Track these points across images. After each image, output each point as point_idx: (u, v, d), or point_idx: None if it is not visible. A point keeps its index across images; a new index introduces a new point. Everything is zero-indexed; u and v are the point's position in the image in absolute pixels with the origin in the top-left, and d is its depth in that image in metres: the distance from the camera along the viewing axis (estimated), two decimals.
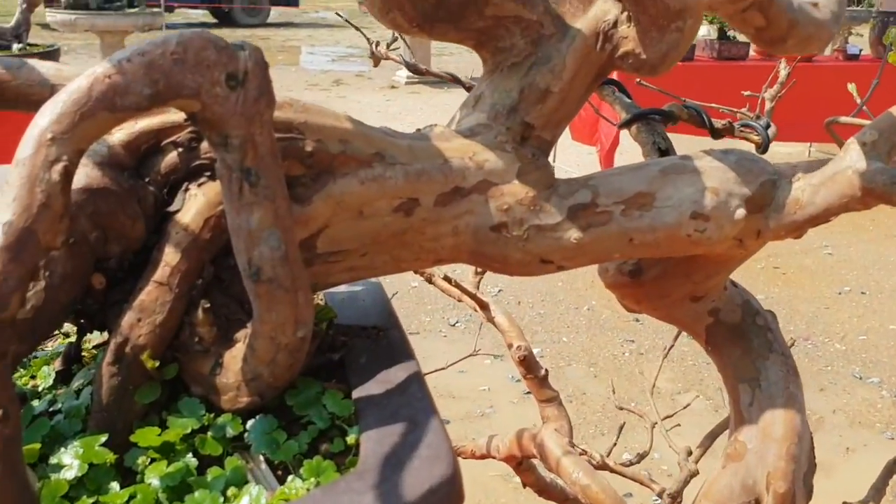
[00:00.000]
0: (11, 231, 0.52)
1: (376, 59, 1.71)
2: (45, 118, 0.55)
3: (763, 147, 1.03)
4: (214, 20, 15.15)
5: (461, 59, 11.29)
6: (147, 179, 0.70)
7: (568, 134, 5.92)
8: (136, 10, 8.12)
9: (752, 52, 6.01)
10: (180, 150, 0.70)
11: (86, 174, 0.67)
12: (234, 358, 0.69)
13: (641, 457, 1.47)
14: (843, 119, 1.09)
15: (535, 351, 3.56)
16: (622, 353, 3.44)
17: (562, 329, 3.64)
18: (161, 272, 0.68)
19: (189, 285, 0.69)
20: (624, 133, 4.91)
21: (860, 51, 6.43)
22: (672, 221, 0.75)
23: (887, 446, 2.80)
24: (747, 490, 0.79)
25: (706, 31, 5.93)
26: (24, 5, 3.90)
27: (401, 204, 0.72)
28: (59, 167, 0.54)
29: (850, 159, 0.73)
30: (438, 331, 3.56)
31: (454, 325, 3.61)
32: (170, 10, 12.48)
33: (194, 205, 0.69)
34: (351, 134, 0.71)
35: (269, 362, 0.68)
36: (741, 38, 6.05)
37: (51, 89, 0.68)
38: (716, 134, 1.04)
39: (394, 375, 0.75)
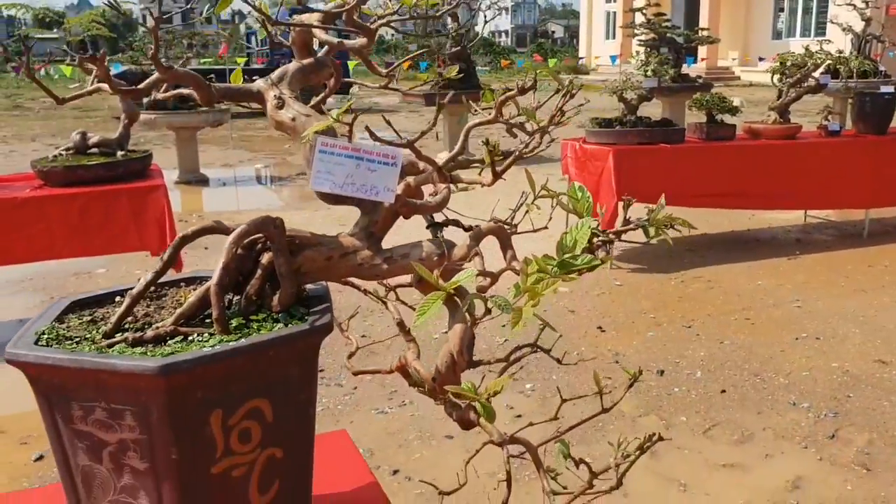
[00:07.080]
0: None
1: None
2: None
3: None
4: None
5: None
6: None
7: None
8: (205, 108, 9.32)
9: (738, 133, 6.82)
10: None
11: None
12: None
13: None
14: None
15: (526, 386, 4.30)
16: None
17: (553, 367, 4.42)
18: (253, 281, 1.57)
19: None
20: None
21: (840, 128, 7.19)
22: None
23: (801, 454, 3.51)
24: None
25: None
26: (126, 121, 4.97)
27: (328, 257, 1.61)
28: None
29: None
30: None
31: None
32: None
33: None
34: (307, 237, 1.61)
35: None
36: (728, 119, 6.89)
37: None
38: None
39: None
